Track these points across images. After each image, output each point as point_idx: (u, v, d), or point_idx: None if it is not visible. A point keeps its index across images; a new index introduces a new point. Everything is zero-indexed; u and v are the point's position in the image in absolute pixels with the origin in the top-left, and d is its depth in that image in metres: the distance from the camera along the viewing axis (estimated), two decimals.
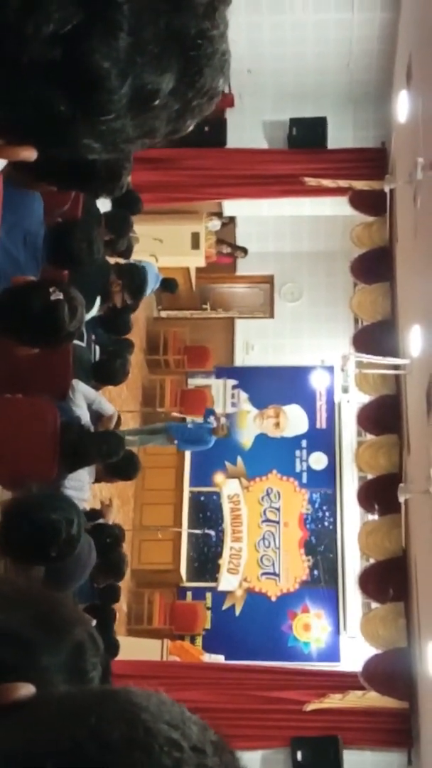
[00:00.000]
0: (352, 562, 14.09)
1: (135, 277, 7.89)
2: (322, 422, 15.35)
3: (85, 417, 6.43)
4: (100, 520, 7.45)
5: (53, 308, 3.65)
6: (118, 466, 6.80)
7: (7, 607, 1.16)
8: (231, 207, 14.31)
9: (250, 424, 15.44)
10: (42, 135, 0.92)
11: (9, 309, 3.66)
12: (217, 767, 0.76)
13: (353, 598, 13.84)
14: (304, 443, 15.27)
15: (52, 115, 0.87)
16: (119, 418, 7.78)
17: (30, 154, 0.98)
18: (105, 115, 0.87)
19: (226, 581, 14.57)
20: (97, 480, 7.11)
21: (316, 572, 14.61)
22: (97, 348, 7.65)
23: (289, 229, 15.36)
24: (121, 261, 8.93)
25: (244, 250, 15.90)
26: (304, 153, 12.02)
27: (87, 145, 0.92)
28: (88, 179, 4.45)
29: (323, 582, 14.53)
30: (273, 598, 14.50)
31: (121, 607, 12.26)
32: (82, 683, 1.13)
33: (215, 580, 14.58)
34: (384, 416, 11.52)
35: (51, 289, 3.70)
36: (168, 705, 0.80)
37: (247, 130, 12.50)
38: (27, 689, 0.87)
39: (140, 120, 0.90)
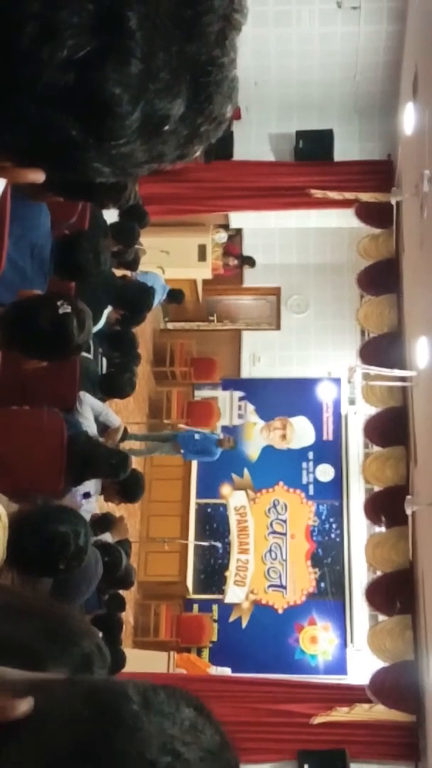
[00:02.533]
0: (359, 575, 14.06)
1: (135, 307, 7.87)
2: (328, 434, 15.34)
3: (93, 429, 6.44)
4: (107, 535, 7.41)
5: (62, 322, 3.65)
6: (125, 485, 6.77)
7: (15, 619, 1.16)
8: (238, 219, 14.33)
9: (257, 436, 15.44)
10: (53, 158, 0.93)
11: (17, 322, 3.67)
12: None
13: (360, 610, 13.81)
14: (310, 455, 15.25)
15: (64, 139, 0.88)
16: (125, 430, 7.78)
17: (38, 177, 0.99)
18: (116, 139, 0.88)
19: (233, 593, 14.54)
20: (102, 492, 7.10)
21: (322, 584, 14.58)
22: (104, 360, 7.67)
23: (295, 242, 15.38)
24: (128, 274, 8.96)
25: (252, 262, 15.92)
26: (310, 165, 12.05)
27: (97, 168, 0.93)
28: (95, 191, 4.47)
29: (330, 594, 14.49)
30: (280, 611, 14.47)
31: (128, 619, 12.24)
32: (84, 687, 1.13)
33: (222, 592, 14.55)
34: (391, 428, 11.50)
35: (59, 303, 3.70)
36: (166, 712, 0.80)
37: (254, 142, 12.53)
38: (27, 704, 0.86)
39: (149, 145, 0.92)
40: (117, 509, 10.82)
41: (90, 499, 6.54)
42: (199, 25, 0.86)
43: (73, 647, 1.16)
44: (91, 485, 6.25)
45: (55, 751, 0.77)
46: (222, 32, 0.88)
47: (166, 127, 0.90)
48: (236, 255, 15.89)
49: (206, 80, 0.89)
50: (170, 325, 16.59)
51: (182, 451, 12.55)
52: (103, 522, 7.59)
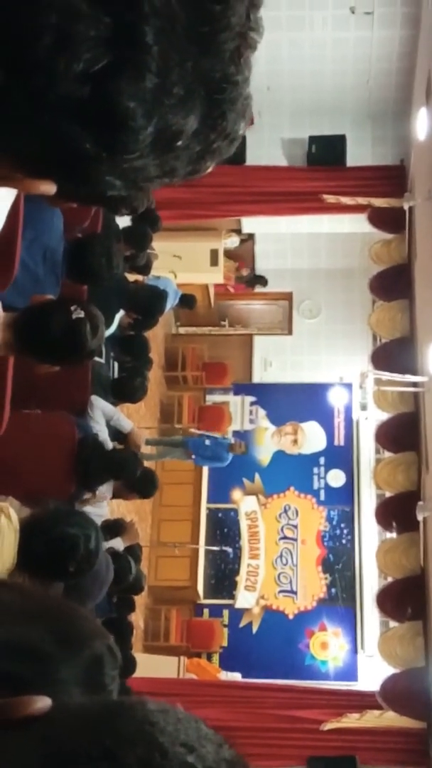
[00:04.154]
0: (370, 580, 14.02)
1: (147, 311, 7.87)
2: (340, 439, 15.32)
3: (104, 433, 6.45)
4: (118, 540, 7.41)
5: (75, 327, 3.65)
6: (137, 483, 6.81)
7: (26, 620, 1.16)
8: (250, 224, 14.35)
9: (268, 441, 15.43)
10: (65, 170, 0.93)
11: (30, 327, 3.67)
12: None
13: (371, 616, 13.78)
14: (321, 460, 15.23)
15: (77, 152, 0.88)
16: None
17: (49, 188, 0.99)
18: (129, 153, 0.89)
19: (243, 598, 14.53)
20: (115, 496, 7.11)
21: (333, 590, 14.55)
22: (116, 364, 7.67)
23: (307, 246, 15.38)
24: (140, 278, 8.97)
25: (264, 281, 15.99)
26: (323, 170, 12.05)
27: (109, 182, 0.93)
28: (109, 200, 4.48)
29: (341, 600, 14.47)
30: (290, 616, 14.45)
31: (138, 623, 12.24)
32: (100, 696, 1.13)
33: (232, 597, 14.55)
34: (402, 434, 11.48)
35: (72, 308, 3.70)
36: (184, 722, 0.80)
37: (266, 147, 12.53)
38: (43, 702, 0.87)
39: (162, 160, 0.92)
40: (128, 514, 10.83)
41: (101, 504, 6.55)
42: (215, 42, 0.86)
43: (84, 649, 1.16)
44: (103, 488, 6.26)
45: (60, 752, 0.77)
46: (238, 50, 0.89)
47: (179, 143, 0.91)
48: (248, 276, 15.97)
49: (220, 97, 0.90)
50: (182, 330, 16.61)
51: (193, 456, 12.55)
52: (114, 527, 7.60)
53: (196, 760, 0.75)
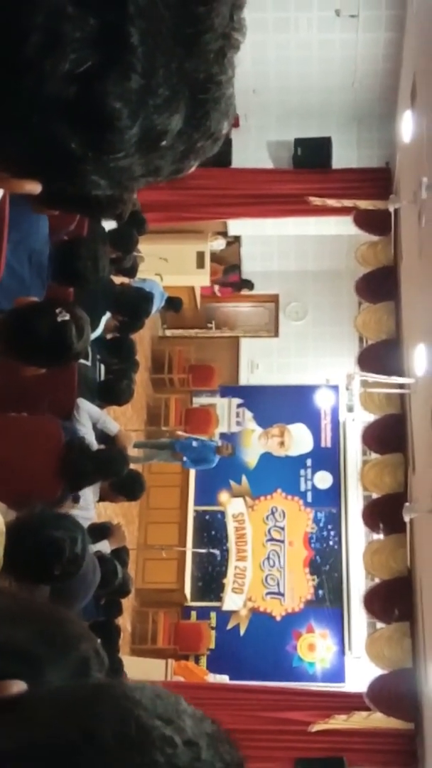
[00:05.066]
0: (357, 582, 14.05)
1: (134, 313, 7.86)
2: (326, 441, 15.34)
3: (90, 436, 6.43)
4: (105, 543, 7.40)
5: (61, 329, 3.65)
6: (124, 484, 6.80)
7: (13, 623, 1.16)
8: (236, 226, 14.36)
9: (255, 443, 15.44)
10: (51, 169, 0.94)
11: (16, 330, 3.66)
12: (212, 760, 0.76)
13: (358, 617, 13.79)
14: (308, 462, 15.25)
15: (63, 151, 0.89)
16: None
17: (34, 188, 0.99)
18: (114, 153, 0.89)
19: (231, 601, 14.53)
20: (102, 499, 7.10)
21: (321, 592, 14.56)
22: (102, 367, 7.66)
23: (294, 249, 15.40)
24: (127, 281, 8.96)
25: (250, 285, 16.02)
26: (308, 173, 12.08)
27: (94, 181, 0.94)
28: (91, 206, 4.47)
29: (328, 602, 14.48)
30: (278, 618, 14.45)
31: (126, 626, 12.23)
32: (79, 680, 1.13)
33: (220, 599, 14.54)
34: (389, 435, 11.51)
35: (58, 310, 3.70)
36: (163, 697, 0.80)
37: (252, 149, 12.55)
38: (18, 686, 0.87)
39: (147, 159, 0.93)
40: (115, 517, 10.82)
41: (88, 507, 6.53)
42: (199, 43, 0.87)
43: (71, 651, 1.16)
44: (89, 492, 6.24)
45: (38, 733, 0.77)
46: (221, 51, 0.89)
47: (164, 143, 0.91)
48: (234, 282, 16.01)
49: (204, 97, 0.91)
50: (168, 332, 16.61)
51: (184, 459, 12.55)
52: (101, 530, 7.58)
53: (174, 732, 0.75)
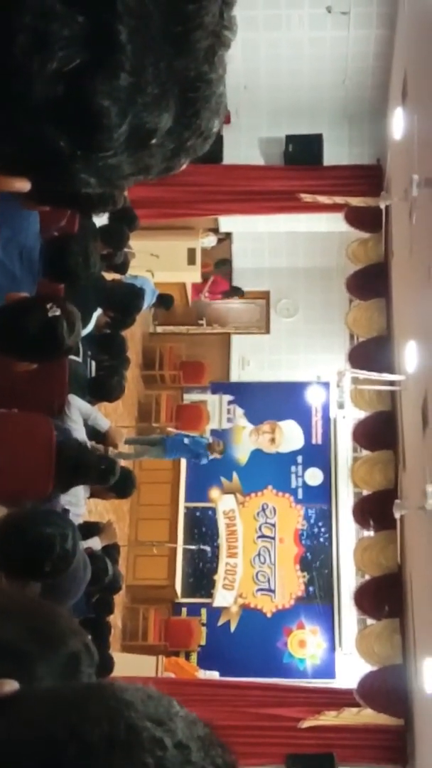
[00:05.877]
0: (348, 578, 14.06)
1: (125, 310, 7.85)
2: (317, 438, 15.35)
3: (81, 433, 6.43)
4: (96, 539, 7.40)
5: (51, 325, 3.65)
6: (115, 482, 6.79)
7: (3, 619, 1.16)
8: (227, 223, 14.36)
9: (246, 440, 15.44)
10: (40, 169, 0.93)
11: (6, 325, 3.66)
12: (203, 763, 0.76)
13: (349, 614, 13.82)
14: (299, 459, 15.26)
15: (52, 150, 0.88)
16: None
17: (23, 186, 0.99)
18: (103, 151, 0.89)
19: (222, 597, 14.54)
20: (93, 495, 7.09)
21: (311, 588, 14.58)
22: (93, 363, 7.65)
23: (285, 246, 15.40)
24: (118, 277, 8.95)
25: (240, 292, 16.05)
26: (299, 170, 12.07)
27: (83, 179, 0.94)
28: (81, 202, 4.47)
29: (319, 598, 14.50)
30: (268, 615, 14.46)
31: (116, 622, 12.22)
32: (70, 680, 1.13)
33: (210, 596, 14.55)
34: (379, 432, 11.52)
35: (48, 306, 3.70)
36: (155, 699, 0.80)
37: (243, 146, 12.55)
38: (10, 686, 0.87)
39: (136, 158, 0.92)
40: (106, 514, 10.82)
41: (79, 503, 6.53)
42: (188, 41, 0.87)
43: (61, 647, 1.16)
44: (80, 488, 6.24)
45: (26, 732, 0.77)
46: (211, 48, 0.89)
47: (153, 141, 0.91)
48: (224, 290, 16.03)
49: (194, 95, 0.90)
50: (159, 329, 16.60)
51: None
52: (92, 527, 7.59)
53: (164, 734, 0.75)
